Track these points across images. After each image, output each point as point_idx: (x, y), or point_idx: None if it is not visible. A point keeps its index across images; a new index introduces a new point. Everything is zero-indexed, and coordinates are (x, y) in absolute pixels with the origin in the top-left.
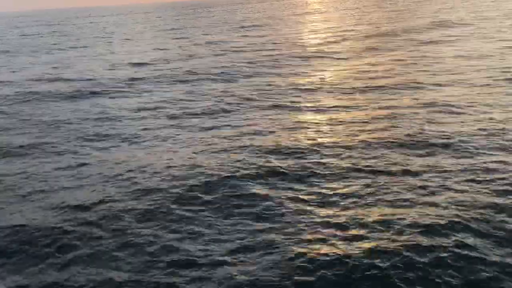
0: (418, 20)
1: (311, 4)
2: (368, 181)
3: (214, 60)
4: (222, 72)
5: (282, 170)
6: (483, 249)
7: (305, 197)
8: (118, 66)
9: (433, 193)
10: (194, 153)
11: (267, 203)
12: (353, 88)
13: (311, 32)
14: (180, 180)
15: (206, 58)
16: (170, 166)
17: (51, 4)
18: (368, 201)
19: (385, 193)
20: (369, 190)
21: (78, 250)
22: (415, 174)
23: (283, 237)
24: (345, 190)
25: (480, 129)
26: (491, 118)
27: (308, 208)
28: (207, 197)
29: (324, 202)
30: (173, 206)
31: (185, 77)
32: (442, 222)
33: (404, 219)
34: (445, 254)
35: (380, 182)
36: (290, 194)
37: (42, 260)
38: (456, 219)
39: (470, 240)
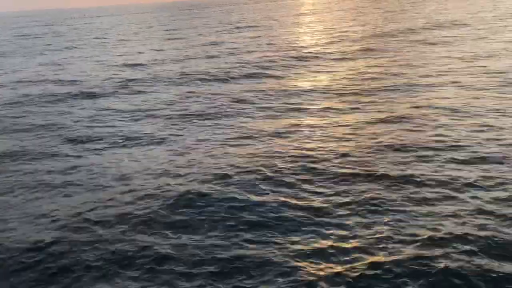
0: (414, 21)
1: (306, 5)
2: (367, 187)
3: (209, 62)
4: (217, 74)
5: (278, 175)
6: (487, 258)
7: (303, 204)
8: (113, 67)
9: (433, 200)
10: (189, 156)
11: (264, 210)
12: (349, 90)
13: (307, 33)
14: (174, 185)
15: (202, 60)
16: (166, 170)
17: (52, 4)
18: (368, 209)
19: (384, 201)
20: (368, 197)
21: (69, 258)
22: (414, 180)
23: (279, 247)
24: (343, 197)
25: (477, 135)
26: (488, 124)
27: (306, 216)
28: (202, 203)
29: (322, 209)
30: (167, 212)
31: (180, 79)
32: (444, 230)
33: (404, 228)
34: (449, 263)
35: (379, 188)
36: (287, 200)
37: (32, 268)
38: (458, 228)
39: (472, 249)
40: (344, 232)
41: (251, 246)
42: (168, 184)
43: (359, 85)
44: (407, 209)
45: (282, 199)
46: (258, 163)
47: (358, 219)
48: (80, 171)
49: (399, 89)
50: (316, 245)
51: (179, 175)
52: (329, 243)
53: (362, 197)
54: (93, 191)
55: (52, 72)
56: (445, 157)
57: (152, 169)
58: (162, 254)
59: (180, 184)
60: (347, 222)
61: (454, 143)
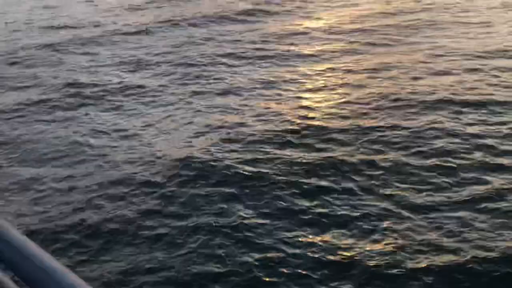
0: None
1: None
2: (363, 143)
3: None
4: (213, 15)
5: (270, 132)
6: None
7: (293, 160)
8: (109, 10)
9: (437, 155)
10: (181, 113)
11: (255, 173)
12: (348, 31)
13: None
14: (171, 144)
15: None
16: (162, 124)
17: None
18: (365, 170)
19: (383, 161)
20: (366, 157)
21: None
22: (412, 134)
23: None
24: (338, 158)
25: (479, 83)
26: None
27: (296, 178)
28: (195, 169)
29: (313, 171)
30: (166, 179)
31: (176, 23)
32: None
33: (407, 197)
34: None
35: (377, 145)
36: (279, 156)
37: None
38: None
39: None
40: (340, 201)
41: (237, 254)
42: (166, 141)
43: (359, 23)
44: (408, 171)
45: (271, 156)
46: (250, 120)
47: (354, 184)
48: (80, 127)
49: (401, 30)
50: (304, 214)
51: (174, 132)
52: (319, 209)
53: (359, 157)
54: (92, 149)
55: (45, 16)
56: (444, 109)
57: (151, 124)
58: (162, 226)
59: (173, 141)
60: (343, 186)
61: (454, 94)
